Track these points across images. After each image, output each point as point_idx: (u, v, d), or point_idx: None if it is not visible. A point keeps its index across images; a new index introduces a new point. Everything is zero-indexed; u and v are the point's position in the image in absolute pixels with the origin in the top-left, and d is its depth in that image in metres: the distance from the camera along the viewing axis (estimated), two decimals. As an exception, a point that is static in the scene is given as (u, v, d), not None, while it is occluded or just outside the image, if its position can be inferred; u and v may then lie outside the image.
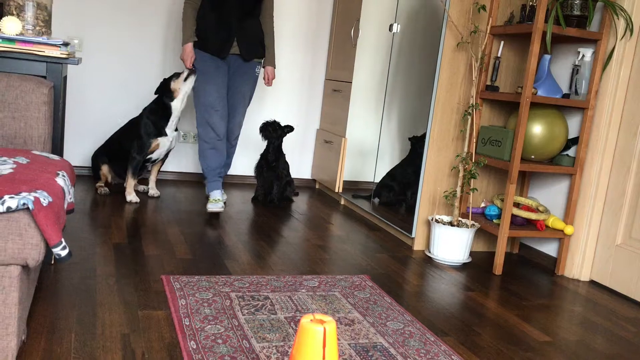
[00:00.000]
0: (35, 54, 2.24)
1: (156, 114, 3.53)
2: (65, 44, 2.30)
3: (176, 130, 3.64)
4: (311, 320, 0.98)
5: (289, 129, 3.87)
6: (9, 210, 1.48)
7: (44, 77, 2.29)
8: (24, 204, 1.48)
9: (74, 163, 4.15)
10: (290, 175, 3.99)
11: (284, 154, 3.94)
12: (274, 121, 3.84)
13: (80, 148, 4.13)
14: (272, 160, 3.84)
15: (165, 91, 3.50)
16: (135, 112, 4.23)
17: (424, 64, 3.27)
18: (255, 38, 3.50)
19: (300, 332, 0.98)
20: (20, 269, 1.54)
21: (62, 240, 1.56)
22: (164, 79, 3.51)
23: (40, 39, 2.24)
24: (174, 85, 3.47)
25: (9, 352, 1.56)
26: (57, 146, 2.34)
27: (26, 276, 1.64)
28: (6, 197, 1.48)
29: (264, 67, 3.66)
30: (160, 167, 3.82)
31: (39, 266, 2.06)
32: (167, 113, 3.52)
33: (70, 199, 1.91)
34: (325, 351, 0.93)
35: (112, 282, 2.30)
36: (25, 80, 2.15)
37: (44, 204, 1.53)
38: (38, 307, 2.01)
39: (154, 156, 3.64)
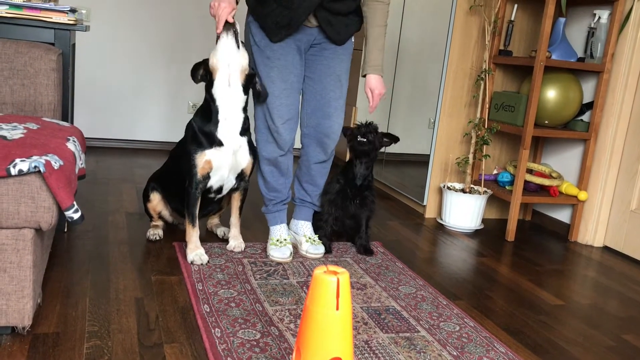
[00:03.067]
0: (43, 21, 2.22)
1: (201, 113, 2.21)
2: (73, 11, 2.28)
3: (244, 134, 2.24)
4: (324, 271, 0.98)
5: (393, 139, 2.53)
6: (20, 173, 1.48)
7: (52, 44, 2.28)
8: (35, 166, 1.48)
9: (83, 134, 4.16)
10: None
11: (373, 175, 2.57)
12: (371, 123, 2.43)
13: (89, 119, 4.13)
14: (362, 186, 2.50)
15: (200, 76, 2.18)
16: (143, 86, 4.20)
17: (436, 29, 3.21)
18: (349, 4, 2.17)
19: (314, 283, 0.97)
20: (34, 232, 1.55)
21: (74, 203, 1.56)
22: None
23: (47, 5, 2.22)
24: (211, 61, 2.14)
25: (25, 314, 1.57)
26: (67, 113, 2.34)
27: (40, 240, 1.65)
28: (17, 160, 1.48)
29: (363, 76, 2.31)
30: (242, 199, 2.40)
31: (53, 231, 2.07)
32: (211, 109, 2.18)
33: (82, 164, 1.91)
34: (339, 301, 0.93)
35: (125, 250, 2.31)
36: (33, 47, 2.14)
37: (55, 167, 1.53)
38: (53, 273, 2.03)
39: (214, 183, 2.25)
